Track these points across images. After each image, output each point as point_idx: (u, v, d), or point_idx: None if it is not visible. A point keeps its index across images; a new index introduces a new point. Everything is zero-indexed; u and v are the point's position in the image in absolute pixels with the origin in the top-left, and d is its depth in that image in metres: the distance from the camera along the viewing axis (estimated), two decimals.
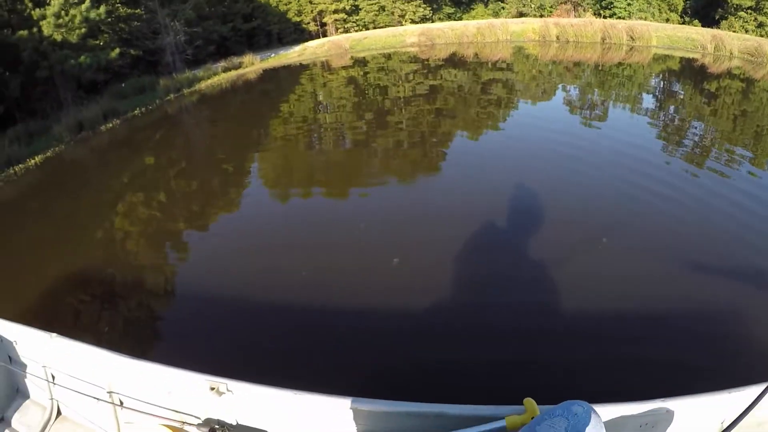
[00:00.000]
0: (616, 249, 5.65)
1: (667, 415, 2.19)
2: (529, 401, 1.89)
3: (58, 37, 13.78)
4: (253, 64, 21.41)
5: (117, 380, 2.36)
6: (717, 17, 42.35)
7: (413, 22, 29.86)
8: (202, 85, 18.20)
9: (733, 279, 5.01)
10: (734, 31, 40.48)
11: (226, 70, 20.27)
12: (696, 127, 12.34)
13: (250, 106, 15.87)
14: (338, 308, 4.84)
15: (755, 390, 2.17)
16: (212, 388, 2.13)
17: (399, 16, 30.09)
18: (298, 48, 24.60)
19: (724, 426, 2.37)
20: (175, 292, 5.69)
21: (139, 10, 19.78)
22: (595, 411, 1.65)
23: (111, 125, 13.58)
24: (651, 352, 4.15)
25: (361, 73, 19.38)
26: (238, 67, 20.89)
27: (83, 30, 14.33)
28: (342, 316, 4.75)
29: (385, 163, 9.81)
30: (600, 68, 23.37)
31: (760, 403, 1.85)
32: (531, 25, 27.66)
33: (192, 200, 8.60)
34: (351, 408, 1.95)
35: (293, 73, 20.69)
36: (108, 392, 2.35)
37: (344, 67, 20.44)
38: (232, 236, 6.93)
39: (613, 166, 8.56)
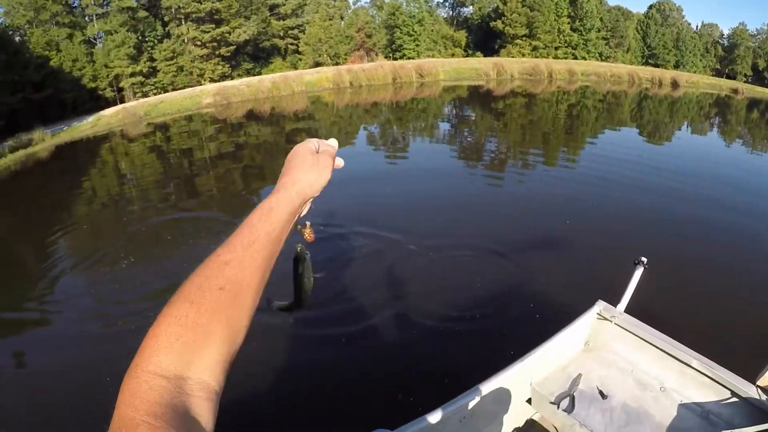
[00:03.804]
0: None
1: (482, 399, 2.31)
2: None
3: None
4: (44, 141, 20.30)
5: None
6: (497, 47, 51.07)
7: (212, 80, 30.95)
8: None
9: None
10: (512, 57, 49.35)
11: (13, 149, 18.79)
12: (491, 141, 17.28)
13: (50, 188, 15.24)
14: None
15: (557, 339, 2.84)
16: None
17: (198, 75, 30.96)
18: (91, 119, 23.74)
19: (534, 381, 2.73)
20: None
21: None
22: None
23: None
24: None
25: (164, 138, 20.00)
26: (28, 144, 19.62)
27: None
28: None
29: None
30: (395, 105, 26.60)
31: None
32: (325, 74, 30.29)
33: None
34: None
35: (90, 146, 20.11)
36: None
37: (145, 135, 20.75)
38: None
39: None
